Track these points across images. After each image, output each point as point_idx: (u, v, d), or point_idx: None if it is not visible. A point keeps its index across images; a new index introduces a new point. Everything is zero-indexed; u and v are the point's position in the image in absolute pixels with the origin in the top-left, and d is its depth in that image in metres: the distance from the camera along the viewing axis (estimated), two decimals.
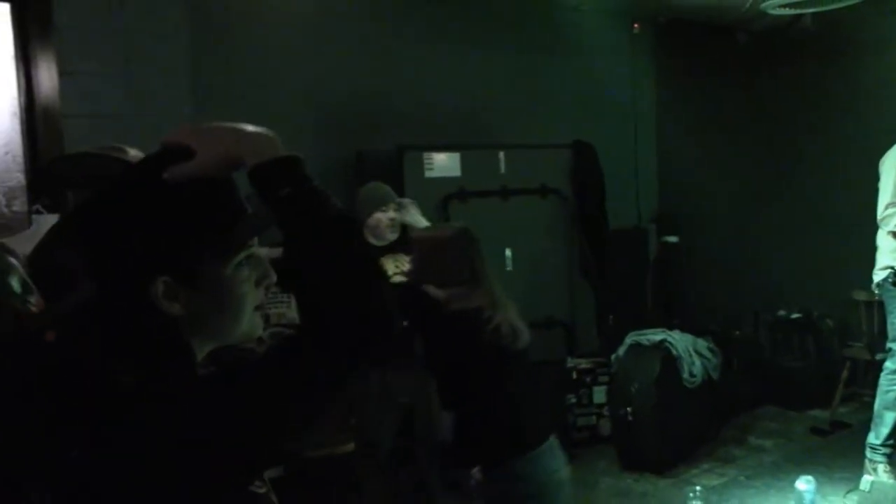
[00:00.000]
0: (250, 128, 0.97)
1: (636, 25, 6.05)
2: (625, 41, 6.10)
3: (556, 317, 4.91)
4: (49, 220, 2.75)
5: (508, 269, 4.69)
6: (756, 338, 5.60)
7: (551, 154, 5.03)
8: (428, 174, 4.55)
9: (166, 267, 0.93)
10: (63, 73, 3.36)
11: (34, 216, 2.88)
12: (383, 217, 3.33)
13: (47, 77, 3.38)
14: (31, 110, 3.38)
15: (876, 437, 3.95)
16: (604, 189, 5.12)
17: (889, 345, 3.94)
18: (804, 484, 3.49)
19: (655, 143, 6.44)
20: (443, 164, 4.61)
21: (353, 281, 0.94)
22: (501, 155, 4.83)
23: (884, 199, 3.88)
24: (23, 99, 3.38)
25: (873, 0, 4.81)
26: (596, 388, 4.90)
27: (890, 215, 3.83)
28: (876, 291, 4.07)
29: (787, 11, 4.79)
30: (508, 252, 4.73)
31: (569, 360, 4.89)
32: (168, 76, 3.61)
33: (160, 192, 0.94)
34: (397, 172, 4.38)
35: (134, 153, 1.44)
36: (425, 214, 3.43)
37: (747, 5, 5.05)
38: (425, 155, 4.56)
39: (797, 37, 5.63)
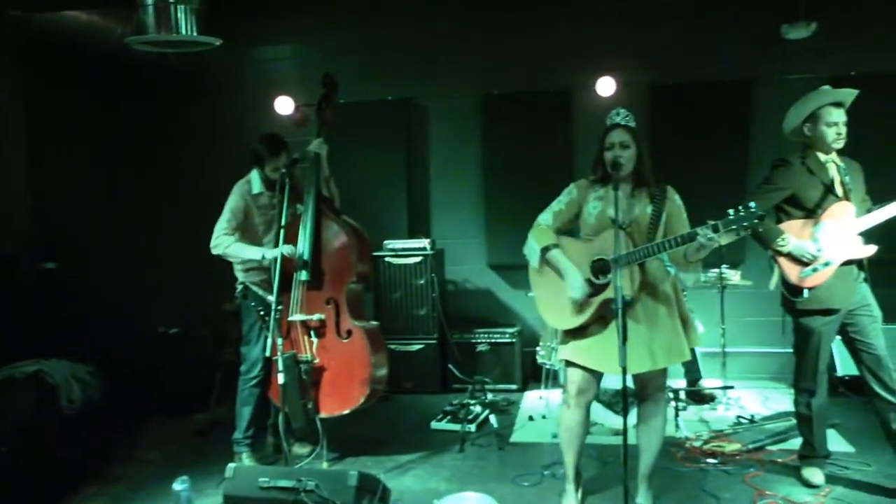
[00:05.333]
0: None
1: None
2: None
3: None
4: None
5: None
6: (140, 355, 5.85)
7: None
8: None
9: None
10: None
11: None
12: None
13: None
14: None
15: (238, 431, 4.59)
16: None
17: (241, 349, 4.60)
18: (179, 485, 3.87)
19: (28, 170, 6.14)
20: None
21: None
22: None
23: (219, 225, 4.46)
24: None
25: (230, 48, 5.53)
26: None
27: (221, 242, 4.41)
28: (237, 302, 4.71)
29: (150, 49, 5.17)
30: None
31: None
32: None
33: None
34: None
35: None
36: None
37: (115, 37, 5.29)
38: None
39: (165, 72, 6.14)
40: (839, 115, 3.82)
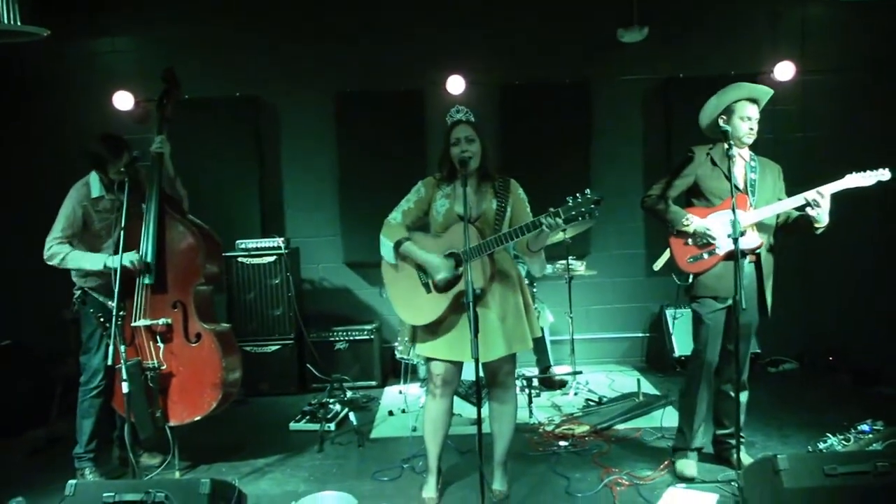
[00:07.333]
0: None
1: None
2: None
3: None
4: None
5: None
6: None
7: None
8: None
9: None
10: None
11: None
12: None
13: None
14: None
15: (79, 445, 4.31)
16: None
17: (81, 358, 4.32)
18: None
19: None
20: None
21: None
22: None
23: (51, 233, 4.16)
24: None
25: (64, 39, 5.20)
26: None
27: (56, 253, 4.13)
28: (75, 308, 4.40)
29: None
30: None
31: None
32: None
33: None
34: None
35: None
36: None
37: None
38: None
39: None
40: (753, 111, 3.97)
